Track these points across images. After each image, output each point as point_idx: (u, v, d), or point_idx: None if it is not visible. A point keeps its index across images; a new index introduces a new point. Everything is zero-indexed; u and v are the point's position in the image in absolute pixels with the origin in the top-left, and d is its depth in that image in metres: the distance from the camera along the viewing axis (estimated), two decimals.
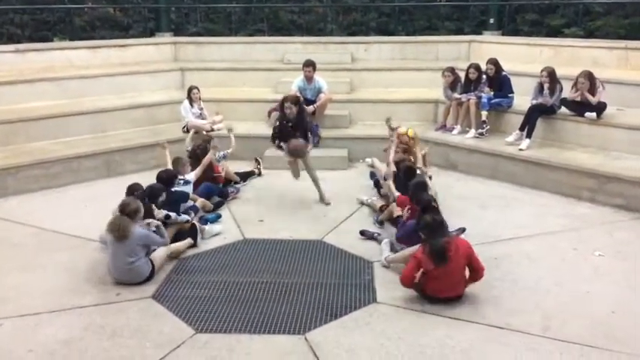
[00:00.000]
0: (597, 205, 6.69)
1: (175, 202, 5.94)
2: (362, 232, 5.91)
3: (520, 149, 7.55)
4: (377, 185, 7.06)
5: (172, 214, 5.65)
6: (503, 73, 8.36)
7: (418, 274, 4.45)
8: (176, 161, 6.64)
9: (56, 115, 8.43)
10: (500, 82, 8.31)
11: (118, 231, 4.81)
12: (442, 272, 4.43)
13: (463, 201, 6.79)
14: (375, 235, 5.80)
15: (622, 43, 9.68)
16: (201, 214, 6.37)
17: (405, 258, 5.00)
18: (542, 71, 7.76)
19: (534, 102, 7.82)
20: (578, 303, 4.62)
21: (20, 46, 10.24)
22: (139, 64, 10.75)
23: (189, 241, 5.64)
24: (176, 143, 8.39)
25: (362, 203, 6.81)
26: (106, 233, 4.97)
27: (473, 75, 8.44)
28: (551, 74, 7.69)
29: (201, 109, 8.77)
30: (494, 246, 5.64)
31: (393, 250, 5.36)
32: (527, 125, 7.68)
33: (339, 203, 6.86)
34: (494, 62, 8.32)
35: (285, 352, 4.02)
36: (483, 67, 8.50)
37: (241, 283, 4.99)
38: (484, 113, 8.16)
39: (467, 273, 4.64)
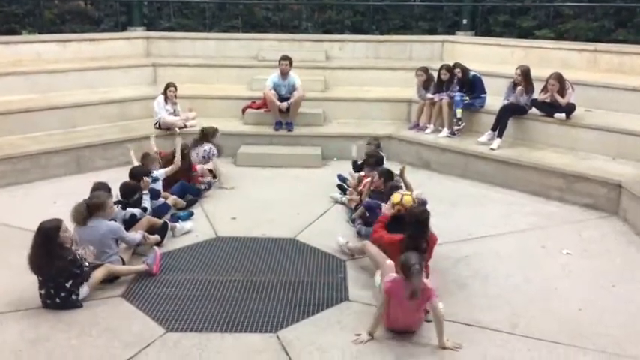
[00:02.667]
0: (565, 204, 6.83)
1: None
2: (353, 221, 6.06)
3: (491, 149, 7.65)
4: (342, 188, 7.05)
5: (137, 211, 5.60)
6: (472, 73, 8.45)
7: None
8: (145, 157, 6.54)
9: (25, 109, 8.25)
10: (470, 83, 8.41)
11: (76, 215, 4.79)
12: None
13: (435, 199, 6.81)
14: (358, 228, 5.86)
15: (591, 46, 9.89)
16: (172, 211, 6.31)
17: (360, 250, 5.20)
18: (517, 69, 7.89)
19: (506, 102, 7.94)
20: (546, 300, 4.71)
21: None
22: (110, 58, 10.59)
23: (156, 237, 5.57)
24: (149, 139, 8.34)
25: (336, 202, 6.82)
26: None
27: (445, 76, 8.52)
28: (525, 73, 7.81)
29: (175, 104, 8.67)
30: (465, 244, 5.71)
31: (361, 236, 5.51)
32: (499, 125, 7.79)
33: (313, 202, 6.85)
34: (460, 66, 8.41)
35: (257, 351, 4.01)
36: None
37: (213, 282, 4.96)
38: (459, 111, 8.24)
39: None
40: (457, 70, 8.40)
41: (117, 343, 4.05)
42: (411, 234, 4.53)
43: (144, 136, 8.31)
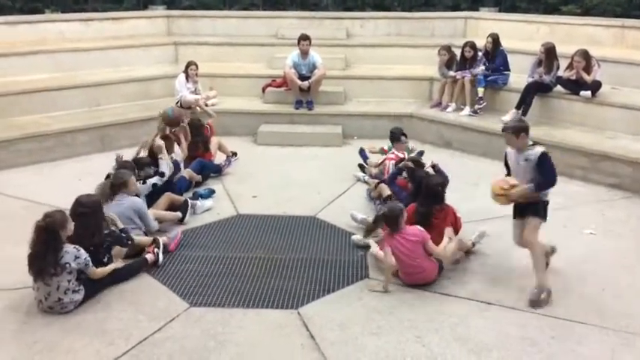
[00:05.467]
0: (590, 183, 6.74)
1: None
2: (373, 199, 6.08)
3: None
4: (362, 167, 7.02)
5: (157, 179, 5.68)
6: (501, 48, 8.32)
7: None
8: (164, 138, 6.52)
9: (49, 88, 8.37)
10: (497, 57, 8.28)
11: (101, 194, 4.85)
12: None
13: (456, 178, 6.75)
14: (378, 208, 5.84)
15: (618, 22, 9.65)
16: (193, 189, 6.39)
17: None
18: (541, 46, 7.74)
19: (530, 79, 7.81)
20: (567, 280, 4.68)
21: (11, 19, 10.09)
22: (132, 37, 10.64)
23: (177, 214, 5.66)
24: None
25: (358, 180, 6.81)
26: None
27: (468, 53, 8.40)
28: (548, 50, 7.67)
29: (196, 82, 8.69)
30: (486, 223, 5.66)
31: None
32: (523, 104, 7.67)
33: (333, 180, 6.87)
34: (494, 37, 8.30)
35: (278, 326, 4.07)
36: (479, 44, 8.47)
37: (235, 259, 5.02)
38: (480, 90, 8.15)
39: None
40: (488, 40, 8.27)
41: (142, 317, 4.14)
42: (422, 203, 4.81)
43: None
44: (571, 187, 6.67)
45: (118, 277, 4.56)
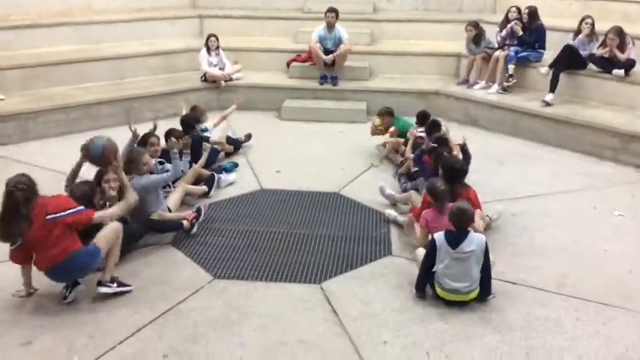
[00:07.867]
0: (620, 164, 6.60)
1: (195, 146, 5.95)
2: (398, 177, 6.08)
3: (544, 101, 7.40)
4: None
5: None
6: (539, 22, 8.10)
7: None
8: (194, 109, 6.65)
9: (76, 60, 8.41)
10: (532, 32, 8.09)
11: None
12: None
13: (482, 157, 6.67)
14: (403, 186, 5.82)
15: None
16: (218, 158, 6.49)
17: (406, 198, 5.35)
18: (586, 18, 7.63)
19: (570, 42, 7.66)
20: (594, 262, 4.61)
21: None
22: (157, 9, 10.61)
23: (203, 188, 5.70)
24: (195, 92, 8.42)
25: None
26: None
27: (513, 14, 8.22)
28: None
29: (218, 55, 8.65)
30: (512, 203, 5.61)
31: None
32: (554, 68, 7.52)
33: (357, 156, 6.83)
34: (531, 9, 8.10)
35: (301, 300, 4.09)
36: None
37: (258, 233, 5.05)
38: (511, 67, 7.97)
39: None
40: (524, 12, 8.09)
41: (167, 288, 4.20)
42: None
43: (189, 89, 8.45)
44: (600, 168, 6.55)
45: (153, 227, 4.80)
